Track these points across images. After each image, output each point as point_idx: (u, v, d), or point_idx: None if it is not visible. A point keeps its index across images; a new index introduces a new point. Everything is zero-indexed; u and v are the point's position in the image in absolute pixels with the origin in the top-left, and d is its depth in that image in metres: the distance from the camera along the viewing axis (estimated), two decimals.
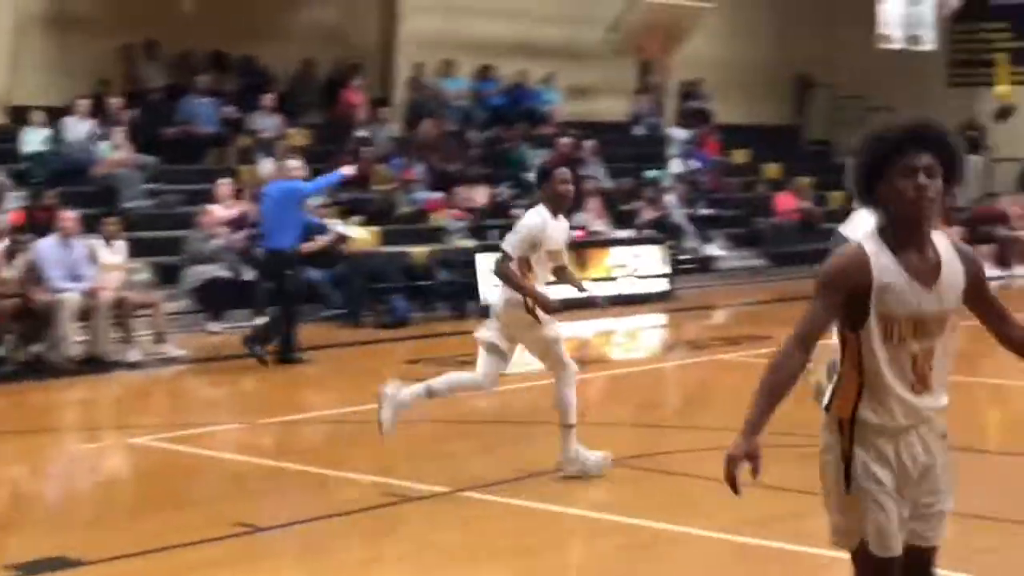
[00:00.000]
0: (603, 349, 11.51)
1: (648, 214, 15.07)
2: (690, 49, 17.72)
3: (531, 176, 13.56)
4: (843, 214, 6.90)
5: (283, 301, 9.85)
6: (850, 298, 2.62)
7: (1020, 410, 8.50)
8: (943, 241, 2.71)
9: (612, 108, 17.99)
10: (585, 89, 17.70)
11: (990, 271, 13.89)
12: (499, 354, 5.73)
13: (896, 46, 17.81)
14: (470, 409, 7.45)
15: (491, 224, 13.42)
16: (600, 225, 14.37)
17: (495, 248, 7.07)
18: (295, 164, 10.26)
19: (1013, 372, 6.79)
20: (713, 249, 15.69)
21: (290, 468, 6.47)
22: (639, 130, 17.82)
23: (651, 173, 16.26)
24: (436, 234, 13.52)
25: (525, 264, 5.73)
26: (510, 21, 16.74)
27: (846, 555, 2.74)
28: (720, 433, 4.90)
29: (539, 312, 5.66)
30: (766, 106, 19.54)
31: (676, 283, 14.06)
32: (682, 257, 14.91)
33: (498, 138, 15.93)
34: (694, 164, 16.59)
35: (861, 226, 3.52)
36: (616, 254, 13.68)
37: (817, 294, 2.66)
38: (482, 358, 5.78)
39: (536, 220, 5.75)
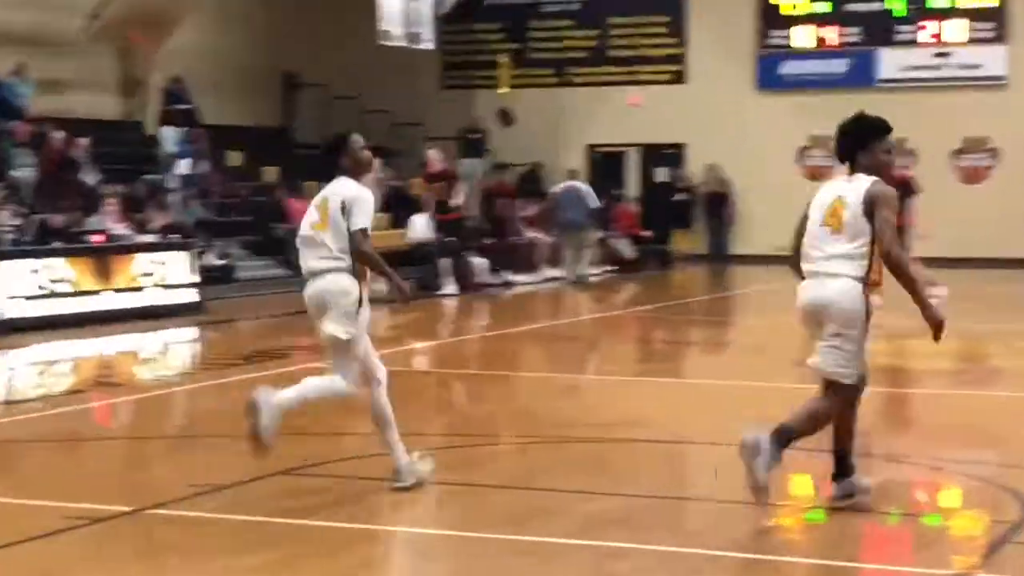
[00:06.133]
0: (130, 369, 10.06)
1: (160, 220, 13.36)
2: (175, 42, 16.09)
3: (19, 174, 13.17)
4: None
5: None
6: None
7: None
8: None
9: (91, 104, 15.78)
10: (60, 82, 15.23)
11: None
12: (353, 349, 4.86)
13: (396, 43, 16.99)
14: None
15: None
16: (122, 229, 12.59)
17: None
18: None
19: None
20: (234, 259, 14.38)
21: None
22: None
23: (150, 176, 14.49)
24: None
25: None
26: None
27: None
28: None
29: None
30: (257, 105, 18.54)
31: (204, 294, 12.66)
32: (202, 265, 13.38)
33: None
34: (204, 167, 15.01)
35: None
36: (141, 261, 12.10)
37: (892, 211, 4.45)
38: (342, 357, 4.86)
39: (367, 192, 4.90)
